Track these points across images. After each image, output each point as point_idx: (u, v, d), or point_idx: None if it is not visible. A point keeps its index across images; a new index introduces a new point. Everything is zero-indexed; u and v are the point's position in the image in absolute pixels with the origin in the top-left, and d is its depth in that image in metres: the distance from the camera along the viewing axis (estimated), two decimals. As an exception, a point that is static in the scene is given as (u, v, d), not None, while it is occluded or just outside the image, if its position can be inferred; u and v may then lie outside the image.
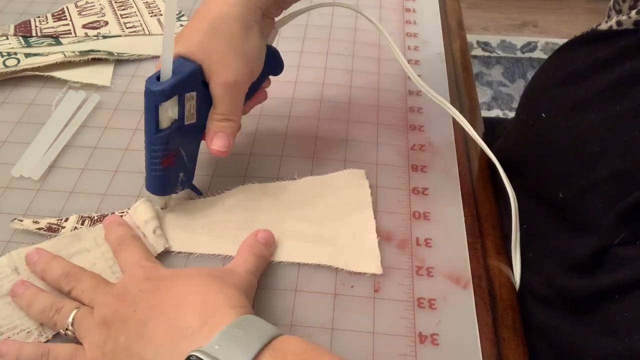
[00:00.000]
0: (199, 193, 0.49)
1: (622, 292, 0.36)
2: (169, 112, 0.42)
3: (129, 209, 0.48)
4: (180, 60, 0.42)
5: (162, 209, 0.48)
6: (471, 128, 0.49)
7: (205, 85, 0.44)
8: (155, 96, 0.41)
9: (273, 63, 0.50)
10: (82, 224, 0.47)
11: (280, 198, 0.49)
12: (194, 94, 0.43)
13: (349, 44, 0.67)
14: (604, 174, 0.39)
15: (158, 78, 0.41)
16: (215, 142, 0.45)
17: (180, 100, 0.42)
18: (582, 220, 0.41)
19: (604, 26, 0.43)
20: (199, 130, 0.45)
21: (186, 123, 0.44)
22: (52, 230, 0.46)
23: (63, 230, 0.46)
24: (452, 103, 0.60)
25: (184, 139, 0.44)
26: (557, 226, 0.44)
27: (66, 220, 0.47)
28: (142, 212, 0.47)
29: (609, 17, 0.45)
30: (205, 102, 0.44)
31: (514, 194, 0.47)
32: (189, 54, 0.43)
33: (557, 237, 0.44)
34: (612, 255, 0.38)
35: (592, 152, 0.40)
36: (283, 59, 0.52)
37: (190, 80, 0.42)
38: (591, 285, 0.38)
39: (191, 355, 0.31)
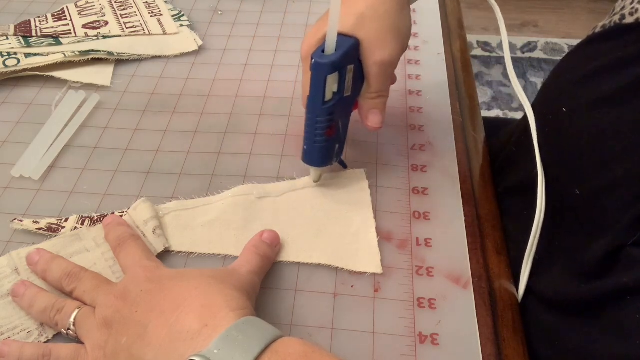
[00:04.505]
0: (345, 167, 0.52)
1: (634, 294, 0.36)
2: (332, 84, 0.44)
3: (128, 208, 0.48)
4: (338, 36, 0.44)
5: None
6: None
7: (359, 60, 0.46)
8: (325, 68, 0.43)
9: None
10: (82, 224, 0.47)
11: (280, 198, 0.49)
12: (352, 67, 0.45)
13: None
14: (623, 174, 0.38)
15: (322, 52, 0.43)
16: (371, 119, 0.47)
17: (341, 73, 0.44)
18: (596, 218, 0.40)
19: (629, 19, 0.42)
20: (351, 103, 0.48)
21: (345, 95, 0.46)
22: (52, 230, 0.46)
23: (63, 230, 0.46)
24: (452, 103, 0.60)
25: (341, 111, 0.47)
26: (567, 226, 0.43)
27: (66, 220, 0.47)
28: (142, 211, 0.47)
29: (629, 8, 0.44)
30: (358, 76, 0.46)
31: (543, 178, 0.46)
32: (346, 31, 0.44)
33: (566, 237, 0.43)
34: (625, 256, 0.37)
35: (613, 150, 0.40)
36: (284, 58, 0.52)
37: (351, 53, 0.44)
38: (601, 287, 0.38)
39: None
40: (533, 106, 0.51)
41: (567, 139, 0.44)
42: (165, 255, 0.45)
